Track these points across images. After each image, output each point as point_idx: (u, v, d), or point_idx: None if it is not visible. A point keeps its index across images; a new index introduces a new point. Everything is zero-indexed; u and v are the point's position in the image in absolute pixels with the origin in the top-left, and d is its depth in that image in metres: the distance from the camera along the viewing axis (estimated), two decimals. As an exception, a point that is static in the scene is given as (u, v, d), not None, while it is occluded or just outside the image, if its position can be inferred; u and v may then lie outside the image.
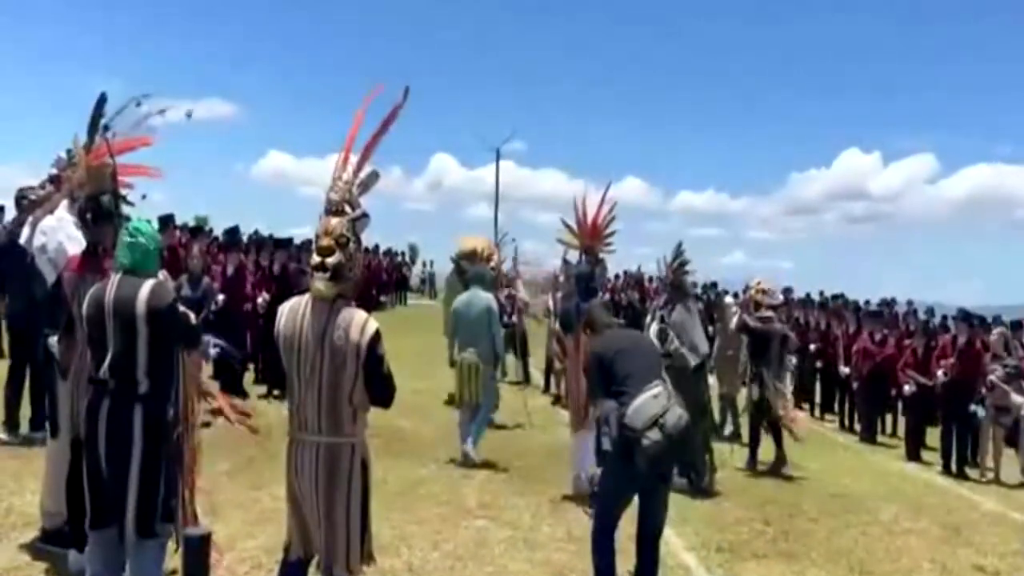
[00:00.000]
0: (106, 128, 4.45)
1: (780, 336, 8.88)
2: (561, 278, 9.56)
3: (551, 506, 6.29)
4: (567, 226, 7.89)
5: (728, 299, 12.85)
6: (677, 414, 4.06)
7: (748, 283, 9.52)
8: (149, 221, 3.94)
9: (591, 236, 7.70)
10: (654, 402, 4.05)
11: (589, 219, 7.73)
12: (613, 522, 4.39)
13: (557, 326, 7.03)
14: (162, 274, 3.77)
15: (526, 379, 12.25)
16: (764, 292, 9.17)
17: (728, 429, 10.20)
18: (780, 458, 8.56)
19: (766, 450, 8.81)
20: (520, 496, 6.47)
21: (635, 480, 4.19)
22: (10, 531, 4.73)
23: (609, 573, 4.34)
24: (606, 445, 4.20)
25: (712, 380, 8.96)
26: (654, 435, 3.97)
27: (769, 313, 8.89)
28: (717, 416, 10.18)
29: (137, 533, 3.43)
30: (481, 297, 7.68)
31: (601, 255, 7.85)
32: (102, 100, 4.50)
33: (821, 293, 16.46)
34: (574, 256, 8.05)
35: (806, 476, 8.48)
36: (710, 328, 18.56)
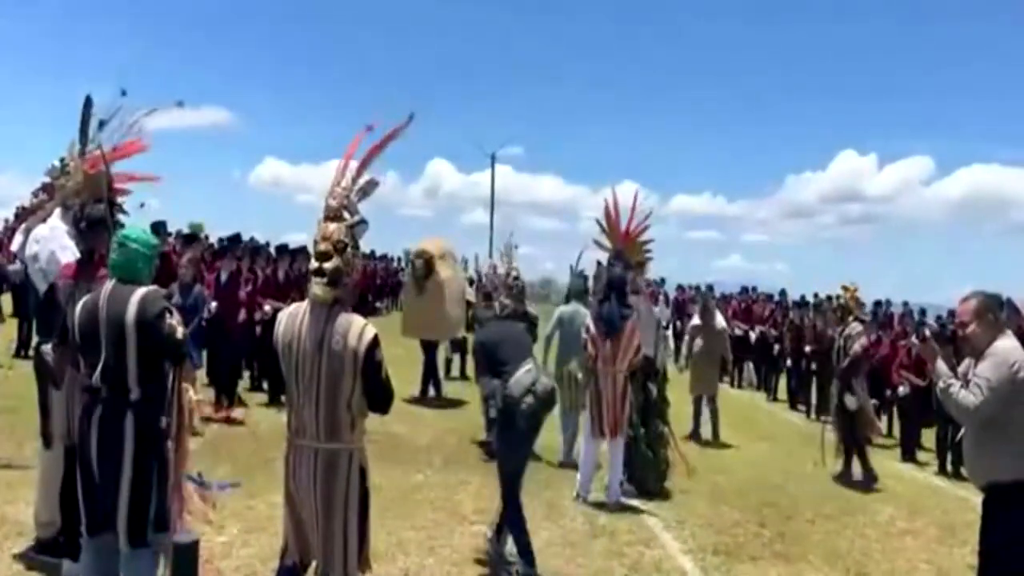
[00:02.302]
0: (101, 124, 4.44)
1: (865, 349, 8.69)
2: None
3: (546, 511, 6.29)
4: (602, 228, 7.95)
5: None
6: (544, 382, 4.98)
7: (844, 287, 9.09)
8: (144, 229, 3.93)
9: (624, 241, 7.81)
10: (527, 375, 4.90)
11: (622, 225, 7.83)
12: (519, 488, 5.03)
13: (592, 331, 6.90)
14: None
15: None
16: (859, 302, 8.80)
17: (708, 431, 10.09)
18: (868, 469, 8.50)
19: (762, 457, 8.78)
20: (516, 501, 6.45)
21: (522, 440, 5.02)
22: (4, 541, 4.70)
23: (527, 541, 4.92)
24: (492, 414, 5.03)
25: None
26: (529, 399, 4.85)
27: (859, 327, 8.74)
28: (691, 421, 10.10)
29: (129, 542, 3.40)
30: (582, 312, 7.77)
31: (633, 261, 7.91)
32: (88, 103, 4.50)
33: (815, 295, 16.48)
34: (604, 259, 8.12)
35: (802, 478, 8.49)
36: (678, 324, 18.64)
